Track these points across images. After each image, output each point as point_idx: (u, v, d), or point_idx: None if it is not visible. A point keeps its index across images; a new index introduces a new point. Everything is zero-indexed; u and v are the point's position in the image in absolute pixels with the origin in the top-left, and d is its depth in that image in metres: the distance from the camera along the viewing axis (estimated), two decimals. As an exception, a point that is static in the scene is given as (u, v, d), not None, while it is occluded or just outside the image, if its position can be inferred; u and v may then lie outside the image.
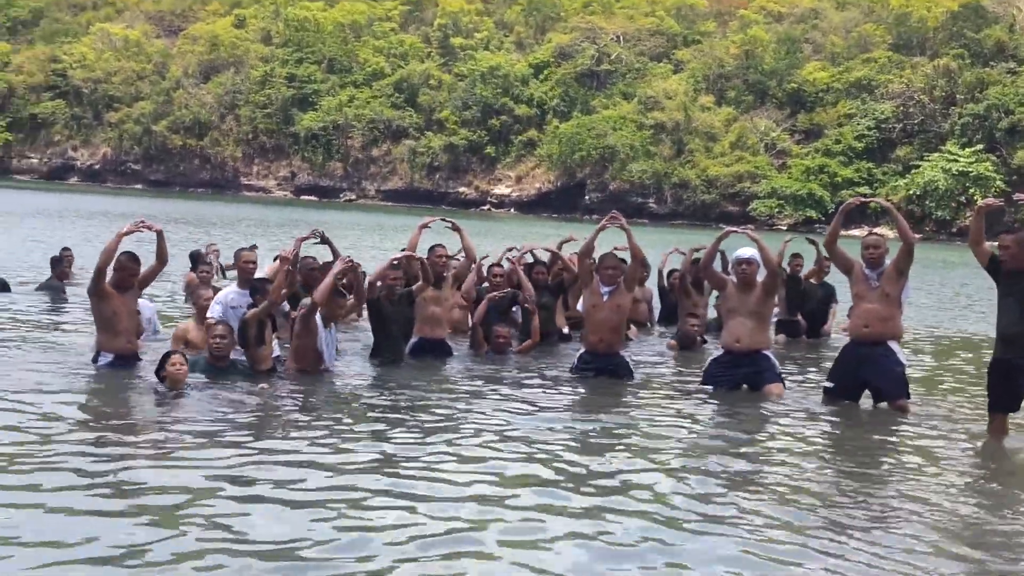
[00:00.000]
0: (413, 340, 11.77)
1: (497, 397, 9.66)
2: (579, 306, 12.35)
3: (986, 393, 8.94)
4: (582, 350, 11.08)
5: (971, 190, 75.95)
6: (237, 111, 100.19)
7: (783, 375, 10.51)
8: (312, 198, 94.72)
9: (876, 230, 11.59)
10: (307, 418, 8.40)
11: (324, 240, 11.57)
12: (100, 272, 9.83)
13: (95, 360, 10.03)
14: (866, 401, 9.89)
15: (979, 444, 8.80)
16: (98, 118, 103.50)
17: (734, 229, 10.91)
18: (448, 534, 5.65)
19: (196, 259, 15.74)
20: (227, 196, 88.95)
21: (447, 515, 5.94)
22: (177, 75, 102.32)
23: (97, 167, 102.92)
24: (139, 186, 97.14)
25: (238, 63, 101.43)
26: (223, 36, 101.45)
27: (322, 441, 7.57)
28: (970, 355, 14.75)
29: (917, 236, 51.58)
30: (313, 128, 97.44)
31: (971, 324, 18.90)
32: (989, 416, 8.91)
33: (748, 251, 10.34)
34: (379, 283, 11.28)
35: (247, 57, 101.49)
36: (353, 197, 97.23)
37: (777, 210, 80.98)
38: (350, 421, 8.37)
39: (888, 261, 9.58)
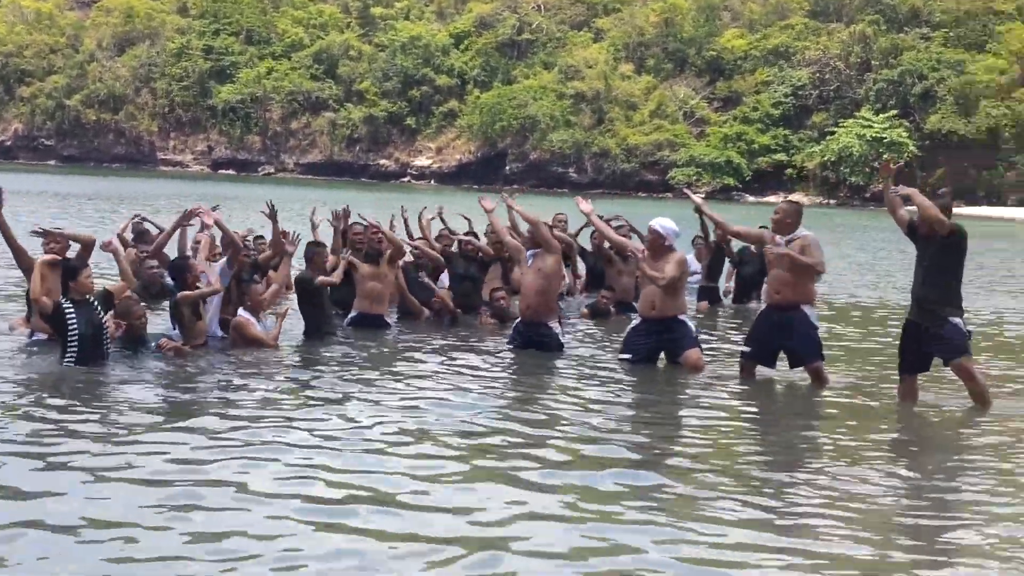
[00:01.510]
0: (352, 314, 11.98)
1: (413, 374, 9.68)
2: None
3: (898, 356, 9.14)
4: (517, 320, 11.22)
5: (885, 156, 77.05)
6: (153, 84, 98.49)
7: (700, 340, 10.63)
8: (230, 172, 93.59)
9: (792, 197, 11.69)
10: (238, 395, 8.36)
11: (272, 216, 11.45)
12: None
13: (31, 337, 10.09)
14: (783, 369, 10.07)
15: (891, 406, 8.99)
16: (9, 93, 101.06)
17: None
18: (344, 502, 5.67)
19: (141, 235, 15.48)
20: (143, 171, 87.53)
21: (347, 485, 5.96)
22: (91, 48, 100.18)
23: (8, 143, 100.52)
24: (52, 162, 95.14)
25: (154, 35, 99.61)
26: (138, 7, 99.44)
27: (250, 416, 7.54)
28: (884, 319, 15.05)
29: (831, 202, 52.19)
30: (231, 101, 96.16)
31: (886, 291, 19.25)
32: (900, 378, 9.10)
33: (658, 222, 10.46)
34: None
35: (163, 29, 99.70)
36: (272, 171, 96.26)
37: (695, 178, 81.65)
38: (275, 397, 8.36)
39: (805, 233, 9.64)
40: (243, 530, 5.28)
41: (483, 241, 14.01)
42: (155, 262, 11.76)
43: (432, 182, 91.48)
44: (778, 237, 9.65)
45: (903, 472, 7.00)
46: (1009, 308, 17.26)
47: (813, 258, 9.42)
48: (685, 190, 10.89)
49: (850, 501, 6.21)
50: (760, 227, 10.69)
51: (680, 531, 5.53)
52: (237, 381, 8.92)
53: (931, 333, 8.64)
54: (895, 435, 8.28)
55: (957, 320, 8.67)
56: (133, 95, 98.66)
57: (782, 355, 9.91)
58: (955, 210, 9.03)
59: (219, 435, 7.07)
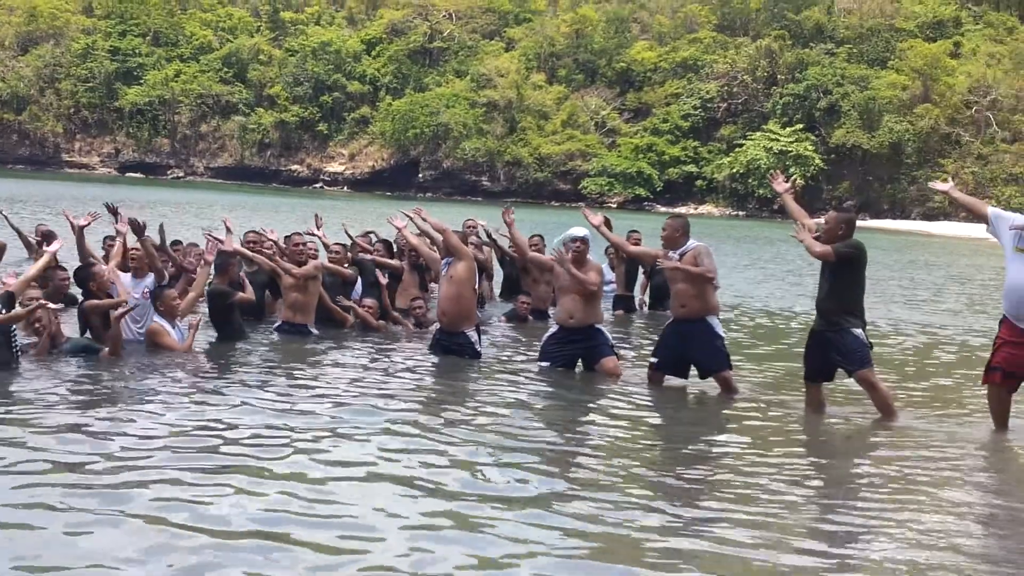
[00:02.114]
0: (277, 324, 12.08)
1: (329, 380, 9.71)
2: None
3: (803, 364, 9.38)
4: (437, 327, 11.31)
5: (791, 168, 78.60)
6: (57, 85, 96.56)
7: (616, 348, 10.81)
8: (138, 175, 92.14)
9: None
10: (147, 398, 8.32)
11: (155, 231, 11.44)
12: None
13: None
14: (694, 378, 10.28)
15: (797, 415, 9.23)
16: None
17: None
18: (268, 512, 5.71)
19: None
20: (48, 173, 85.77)
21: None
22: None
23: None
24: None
25: (58, 35, 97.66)
26: (42, 7, 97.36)
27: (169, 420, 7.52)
28: (793, 329, 15.40)
29: (740, 213, 52.98)
30: (138, 103, 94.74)
31: (795, 300, 19.64)
32: (805, 387, 9.36)
33: (581, 230, 10.64)
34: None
35: (67, 29, 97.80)
36: (181, 174, 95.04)
37: (607, 188, 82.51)
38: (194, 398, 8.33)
39: (695, 244, 9.84)
40: (134, 541, 5.26)
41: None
42: (65, 272, 11.63)
43: (345, 188, 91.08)
44: (670, 252, 9.85)
45: (808, 480, 7.21)
46: (905, 320, 17.75)
47: (704, 267, 9.62)
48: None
49: (751, 506, 6.38)
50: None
51: (577, 537, 5.64)
52: (146, 387, 8.85)
53: (834, 343, 8.87)
54: (800, 445, 8.47)
55: (858, 331, 8.90)
56: (37, 95, 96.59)
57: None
58: (860, 223, 9.29)
59: (106, 436, 7.04)
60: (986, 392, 8.65)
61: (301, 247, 12.24)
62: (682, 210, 78.01)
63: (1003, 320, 8.30)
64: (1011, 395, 8.44)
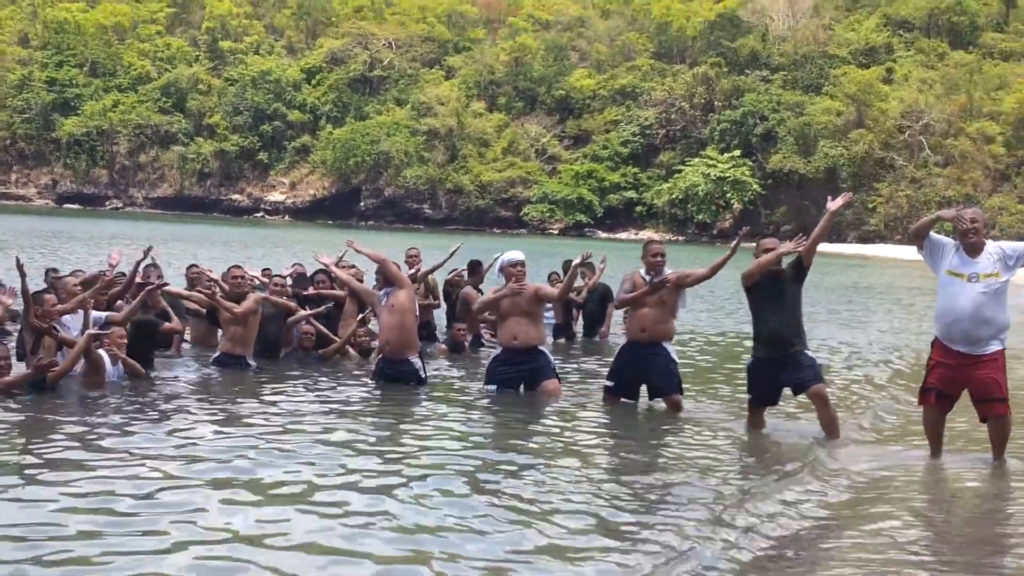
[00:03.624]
0: (216, 355, 11.98)
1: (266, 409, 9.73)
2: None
3: (746, 389, 9.59)
4: (380, 357, 11.34)
5: (728, 194, 79.61)
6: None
7: (558, 372, 10.96)
8: (76, 206, 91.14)
9: (655, 237, 12.15)
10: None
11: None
12: None
13: None
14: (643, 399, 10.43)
15: (742, 436, 9.43)
16: None
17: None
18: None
19: None
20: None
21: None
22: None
23: None
24: None
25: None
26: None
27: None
28: (732, 353, 15.63)
29: (680, 238, 53.53)
30: (76, 134, 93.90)
31: (728, 324, 19.91)
32: (749, 411, 9.57)
33: (518, 254, 10.84)
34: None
35: (3, 60, 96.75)
36: (120, 205, 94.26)
37: (549, 215, 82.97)
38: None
39: (669, 270, 10.06)
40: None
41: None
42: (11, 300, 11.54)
43: (286, 217, 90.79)
44: (645, 275, 10.02)
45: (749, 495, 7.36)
46: (842, 341, 18.07)
47: (696, 273, 10.02)
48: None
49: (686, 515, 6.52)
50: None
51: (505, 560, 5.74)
52: (89, 418, 8.85)
53: (789, 364, 9.08)
54: (738, 459, 8.65)
55: (809, 352, 9.30)
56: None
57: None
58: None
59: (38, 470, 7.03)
60: (921, 414, 8.87)
61: (240, 280, 12.22)
62: (622, 236, 78.71)
63: (935, 342, 8.53)
64: (944, 415, 8.65)
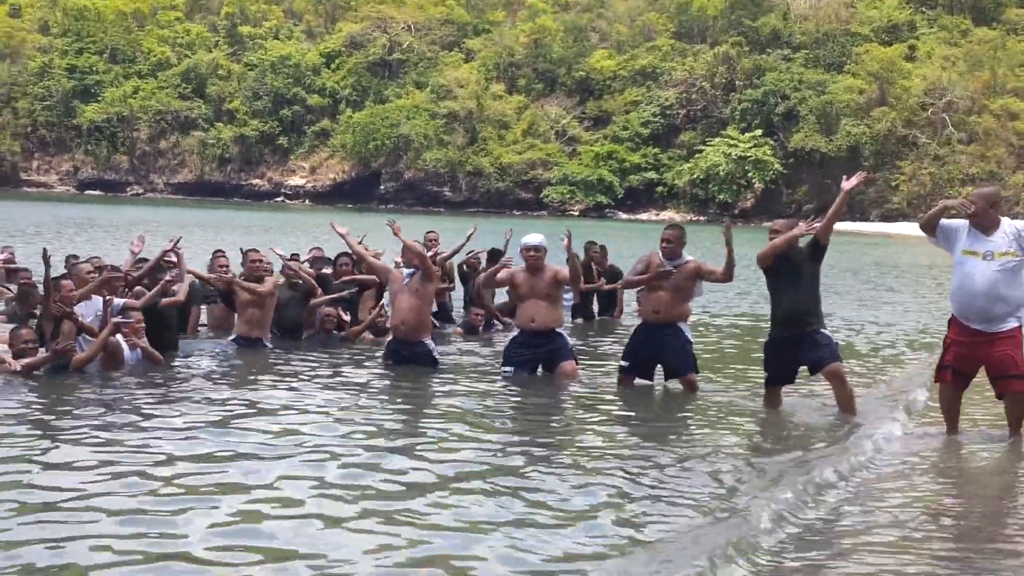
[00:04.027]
0: (232, 337, 12.07)
1: (287, 389, 9.75)
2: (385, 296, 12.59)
3: (763, 368, 9.56)
4: (391, 338, 11.34)
5: (750, 173, 79.29)
6: (14, 104, 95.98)
7: (575, 352, 10.94)
8: (97, 193, 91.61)
9: (676, 218, 12.05)
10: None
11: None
12: None
13: None
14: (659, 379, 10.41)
15: (758, 414, 9.40)
16: None
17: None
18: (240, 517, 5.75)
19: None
20: (6, 193, 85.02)
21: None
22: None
23: None
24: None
25: (14, 54, 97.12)
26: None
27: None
28: (749, 334, 15.57)
29: (701, 219, 53.32)
30: (96, 120, 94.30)
31: (748, 306, 19.81)
32: (766, 390, 9.54)
33: (535, 238, 10.72)
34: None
35: (23, 48, 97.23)
36: (141, 191, 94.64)
37: (569, 196, 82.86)
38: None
39: (688, 258, 9.99)
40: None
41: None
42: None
43: (306, 201, 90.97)
44: (666, 262, 9.97)
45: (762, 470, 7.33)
46: (860, 319, 18.00)
47: (715, 271, 9.92)
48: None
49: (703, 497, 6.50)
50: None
51: (536, 540, 5.73)
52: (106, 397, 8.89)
53: (806, 343, 9.06)
54: (758, 438, 8.63)
55: (826, 330, 9.24)
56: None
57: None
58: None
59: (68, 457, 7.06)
60: (938, 391, 8.84)
61: (258, 263, 12.25)
62: (643, 217, 78.62)
63: (951, 320, 8.50)
64: (961, 393, 8.62)
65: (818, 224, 9.27)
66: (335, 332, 12.81)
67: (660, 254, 10.04)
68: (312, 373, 10.60)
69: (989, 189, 8.55)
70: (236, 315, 12.29)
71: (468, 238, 14.96)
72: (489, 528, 5.75)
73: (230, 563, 5.11)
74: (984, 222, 8.24)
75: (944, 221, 8.49)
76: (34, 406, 8.60)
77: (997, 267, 8.11)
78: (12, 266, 15.15)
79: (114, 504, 5.89)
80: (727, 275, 9.84)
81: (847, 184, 9.07)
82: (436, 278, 11.23)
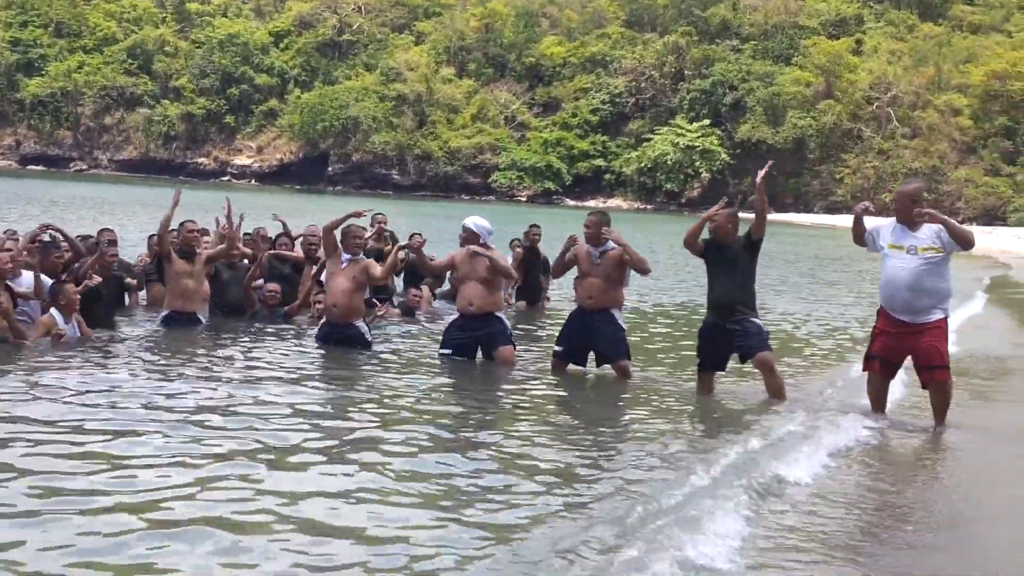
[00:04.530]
0: (164, 312, 11.88)
1: (222, 368, 9.72)
2: (322, 276, 12.54)
3: (696, 355, 9.69)
4: (323, 320, 11.33)
5: (698, 163, 79.76)
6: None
7: (514, 337, 10.99)
8: (40, 168, 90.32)
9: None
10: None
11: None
12: None
13: None
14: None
15: (690, 397, 9.52)
16: None
17: None
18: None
19: None
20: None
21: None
22: None
23: None
24: None
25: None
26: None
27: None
28: (685, 321, 15.72)
29: (648, 207, 53.29)
30: (40, 95, 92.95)
31: (686, 294, 19.96)
32: (698, 376, 9.67)
33: (469, 221, 10.79)
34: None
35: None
36: (85, 167, 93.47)
37: (517, 181, 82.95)
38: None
39: (613, 246, 10.04)
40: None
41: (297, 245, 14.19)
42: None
43: (253, 181, 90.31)
44: (590, 248, 10.06)
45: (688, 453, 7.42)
46: (799, 311, 18.21)
47: (633, 256, 9.96)
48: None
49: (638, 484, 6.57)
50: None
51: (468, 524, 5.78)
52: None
53: (736, 331, 9.18)
54: (693, 422, 8.74)
55: (757, 319, 9.34)
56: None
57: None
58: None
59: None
60: (866, 380, 9.00)
61: (194, 234, 12.20)
62: (591, 204, 78.79)
63: (880, 311, 8.71)
64: (888, 382, 8.81)
65: (725, 210, 9.41)
66: (278, 308, 12.79)
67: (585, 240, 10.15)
68: (244, 352, 10.56)
69: (913, 186, 8.78)
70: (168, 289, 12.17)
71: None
72: (410, 515, 5.78)
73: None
74: (908, 218, 8.46)
75: (868, 227, 8.71)
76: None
77: (921, 261, 8.32)
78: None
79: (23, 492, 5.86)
80: (639, 266, 9.99)
81: (759, 177, 9.22)
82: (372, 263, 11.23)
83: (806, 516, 6.23)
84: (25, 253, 11.04)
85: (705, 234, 9.50)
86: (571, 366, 10.37)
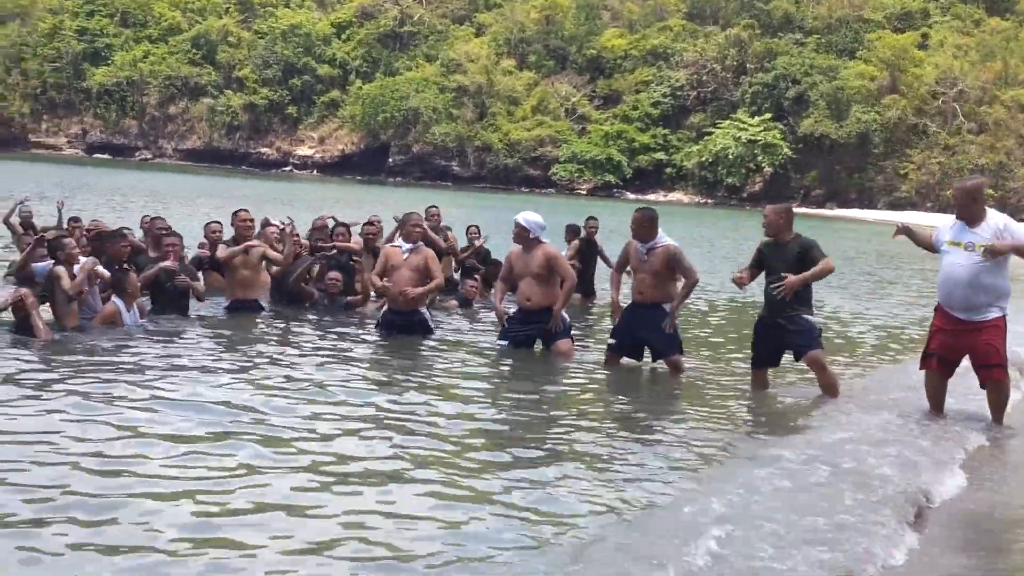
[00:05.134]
0: (226, 303, 12.20)
1: (287, 354, 9.86)
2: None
3: (752, 351, 9.68)
4: (385, 308, 11.47)
5: (759, 157, 79.16)
6: (24, 65, 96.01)
7: (572, 330, 11.04)
8: (105, 156, 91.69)
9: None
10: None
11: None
12: None
13: None
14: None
15: (742, 394, 9.50)
16: None
17: None
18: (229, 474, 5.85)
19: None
20: (15, 154, 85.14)
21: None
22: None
23: None
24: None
25: (24, 14, 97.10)
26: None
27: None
28: (742, 317, 15.65)
29: (709, 201, 53.16)
30: (106, 84, 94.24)
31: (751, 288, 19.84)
32: (752, 372, 9.65)
33: (521, 216, 10.81)
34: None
35: (33, 9, 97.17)
36: (149, 156, 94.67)
37: (577, 174, 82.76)
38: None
39: (665, 240, 10.05)
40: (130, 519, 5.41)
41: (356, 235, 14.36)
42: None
43: (314, 172, 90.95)
44: (638, 245, 10.09)
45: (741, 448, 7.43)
46: (858, 309, 18.05)
47: (687, 268, 9.99)
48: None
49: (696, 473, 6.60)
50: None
51: (523, 518, 5.84)
52: (103, 360, 9.01)
53: (788, 328, 9.15)
54: (750, 418, 8.73)
55: (809, 316, 9.29)
56: (3, 75, 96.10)
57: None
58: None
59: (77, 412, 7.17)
60: (924, 378, 8.94)
61: (248, 223, 12.53)
62: (651, 197, 78.49)
63: (937, 309, 8.65)
64: (946, 380, 8.74)
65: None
66: (340, 297, 12.90)
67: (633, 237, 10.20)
68: (305, 340, 10.72)
69: (972, 183, 8.66)
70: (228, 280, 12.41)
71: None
72: (476, 502, 5.86)
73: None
74: (968, 215, 8.38)
75: (937, 233, 8.68)
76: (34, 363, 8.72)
77: (979, 258, 8.23)
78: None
79: (97, 469, 6.01)
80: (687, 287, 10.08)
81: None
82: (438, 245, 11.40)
83: (840, 510, 6.22)
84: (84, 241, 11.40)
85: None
86: (624, 360, 10.41)
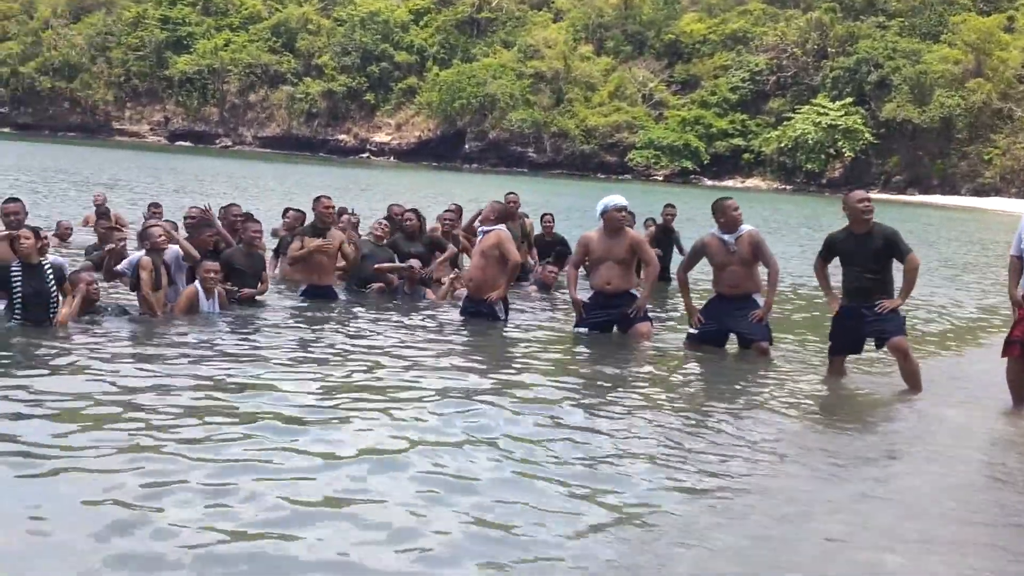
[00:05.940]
0: (303, 288, 12.34)
1: (366, 339, 9.98)
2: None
3: (828, 338, 9.60)
4: (465, 295, 11.64)
5: (840, 143, 78.11)
6: (108, 53, 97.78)
7: (651, 314, 11.05)
8: (187, 143, 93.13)
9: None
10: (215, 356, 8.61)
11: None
12: None
13: None
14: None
15: (820, 382, 9.43)
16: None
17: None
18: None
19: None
20: (98, 141, 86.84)
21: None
22: (46, 15, 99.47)
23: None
24: (6, 129, 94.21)
25: (109, 4, 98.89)
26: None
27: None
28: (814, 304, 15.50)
29: (788, 188, 52.49)
30: (188, 72, 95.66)
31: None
32: (830, 360, 9.57)
33: (618, 199, 10.79)
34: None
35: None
36: (230, 143, 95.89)
37: (654, 161, 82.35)
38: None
39: (746, 227, 10.04)
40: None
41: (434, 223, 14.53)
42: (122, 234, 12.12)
43: (391, 158, 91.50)
44: (726, 236, 10.05)
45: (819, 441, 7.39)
46: (941, 296, 17.81)
47: (768, 256, 10.05)
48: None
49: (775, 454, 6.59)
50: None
51: (601, 504, 5.87)
52: (183, 342, 9.21)
53: (869, 316, 9.06)
54: (820, 405, 8.67)
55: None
56: (88, 63, 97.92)
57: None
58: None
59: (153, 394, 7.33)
60: (1005, 366, 8.81)
61: (329, 210, 12.70)
62: (728, 184, 77.93)
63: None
64: None
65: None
66: (420, 285, 12.92)
67: (717, 229, 10.14)
68: (381, 326, 10.80)
69: None
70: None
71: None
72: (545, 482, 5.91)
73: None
74: None
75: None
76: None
77: None
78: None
79: (178, 447, 6.16)
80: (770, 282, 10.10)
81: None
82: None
83: (925, 499, 6.17)
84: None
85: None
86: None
